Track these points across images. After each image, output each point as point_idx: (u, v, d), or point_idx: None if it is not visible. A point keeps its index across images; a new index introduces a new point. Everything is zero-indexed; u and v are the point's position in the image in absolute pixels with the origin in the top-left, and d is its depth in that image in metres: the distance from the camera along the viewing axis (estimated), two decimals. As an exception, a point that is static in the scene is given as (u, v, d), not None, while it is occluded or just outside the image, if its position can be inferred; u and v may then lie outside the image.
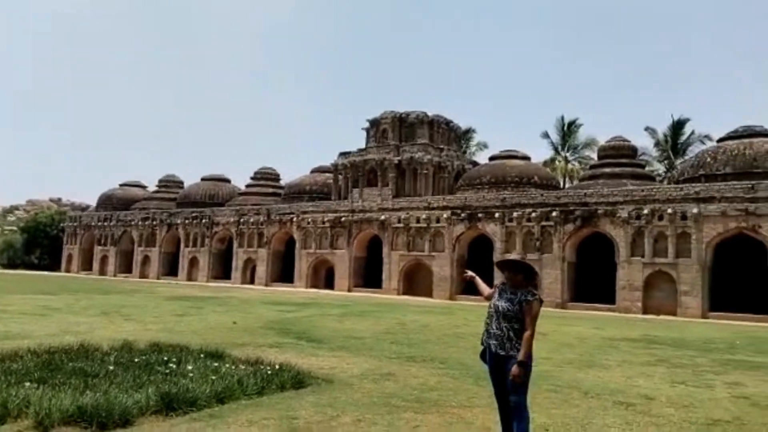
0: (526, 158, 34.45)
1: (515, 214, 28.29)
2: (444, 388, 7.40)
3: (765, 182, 22.50)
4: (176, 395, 5.64)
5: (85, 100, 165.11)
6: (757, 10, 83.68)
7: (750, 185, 22.52)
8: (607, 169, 30.01)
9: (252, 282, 38.53)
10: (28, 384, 5.73)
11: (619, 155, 30.69)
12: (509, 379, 4.57)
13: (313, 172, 42.20)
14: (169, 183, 50.87)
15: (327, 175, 39.19)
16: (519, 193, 29.43)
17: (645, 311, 24.16)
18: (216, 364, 7.22)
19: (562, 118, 48.39)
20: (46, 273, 47.72)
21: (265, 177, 45.06)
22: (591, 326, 17.53)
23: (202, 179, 48.06)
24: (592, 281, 27.46)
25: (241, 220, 39.53)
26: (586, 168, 38.28)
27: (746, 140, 26.02)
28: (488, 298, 5.05)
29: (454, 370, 8.83)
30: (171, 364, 7.07)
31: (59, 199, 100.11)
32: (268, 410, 5.79)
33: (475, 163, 38.29)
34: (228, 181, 48.61)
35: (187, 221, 42.58)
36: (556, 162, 47.20)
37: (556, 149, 48.29)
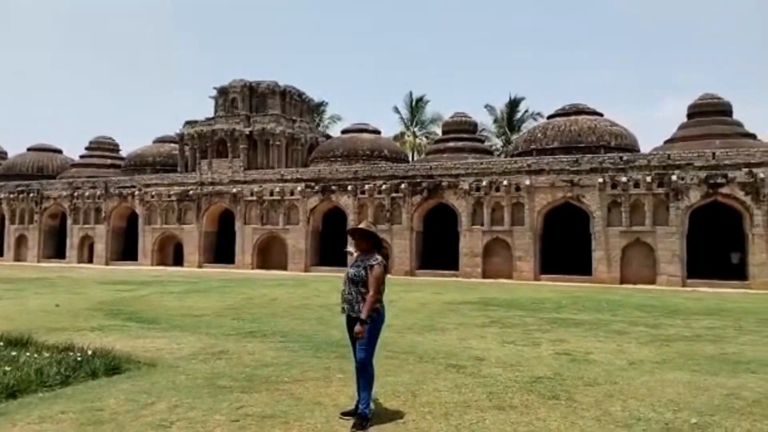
0: (377, 132, 34.93)
1: (367, 187, 28.59)
2: (279, 363, 7.15)
3: (587, 156, 24.73)
4: (-49, 394, 4.82)
5: None
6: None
7: (575, 159, 24.64)
8: (451, 144, 31.33)
9: (90, 261, 35.45)
10: None
11: (462, 130, 32.16)
12: (361, 341, 4.90)
13: (156, 142, 39.41)
14: (-12, 153, 44.96)
15: (172, 145, 36.86)
16: (370, 166, 29.75)
17: (485, 276, 25.71)
18: (14, 354, 6.34)
19: (411, 94, 49.87)
20: None
21: (102, 147, 41.23)
22: (434, 291, 18.26)
23: (29, 149, 42.91)
24: (438, 249, 28.67)
25: (75, 194, 36.04)
26: (432, 142, 39.70)
27: (572, 117, 28.41)
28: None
29: (294, 342, 8.62)
30: (-45, 357, 6.09)
31: None
32: (68, 402, 5.16)
33: (328, 136, 38.09)
34: (59, 151, 43.88)
35: (12, 196, 37.96)
36: (406, 136, 48.51)
37: (405, 124, 49.63)
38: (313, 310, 12.63)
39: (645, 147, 29.20)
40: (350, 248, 5.76)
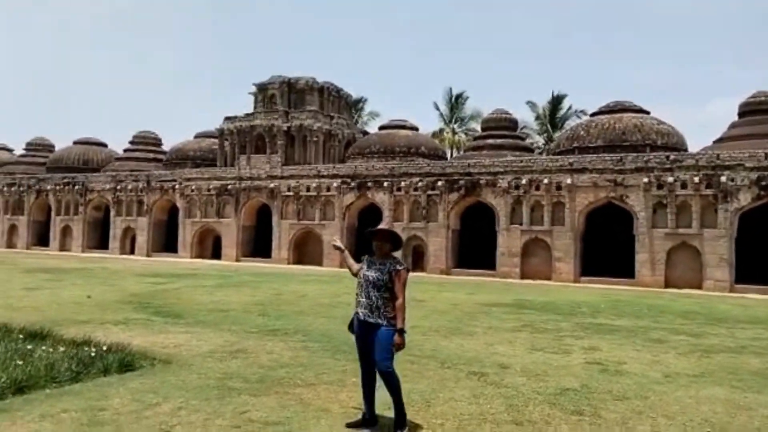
0: (415, 129, 34.57)
1: (403, 184, 28.30)
2: (295, 364, 6.97)
3: (632, 155, 23.83)
4: (-43, 388, 4.78)
5: None
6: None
7: (618, 157, 23.77)
8: (490, 141, 30.71)
9: (132, 252, 36.24)
10: None
11: (501, 127, 31.49)
12: (384, 346, 4.64)
13: (197, 137, 39.98)
14: (38, 146, 46.33)
15: (212, 140, 37.31)
16: (407, 163, 29.43)
17: (523, 276, 25.11)
18: (30, 347, 6.33)
19: (450, 90, 49.28)
20: None
21: (145, 141, 42.11)
22: (468, 292, 17.86)
23: (75, 143, 44.18)
24: (476, 248, 28.17)
25: (118, 186, 36.88)
26: (471, 139, 39.11)
27: (616, 115, 27.43)
28: (356, 273, 5.12)
29: (314, 342, 8.44)
30: (-28, 349, 6.11)
31: None
32: (73, 400, 5.07)
33: (365, 133, 37.95)
34: (104, 145, 45.00)
35: (58, 187, 39.15)
36: (444, 133, 47.97)
37: (444, 120, 49.10)
38: (340, 309, 12.44)
39: (693, 147, 28.03)
40: (337, 241, 5.62)
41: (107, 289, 15.09)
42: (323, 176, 30.66)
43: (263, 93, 34.20)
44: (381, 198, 28.98)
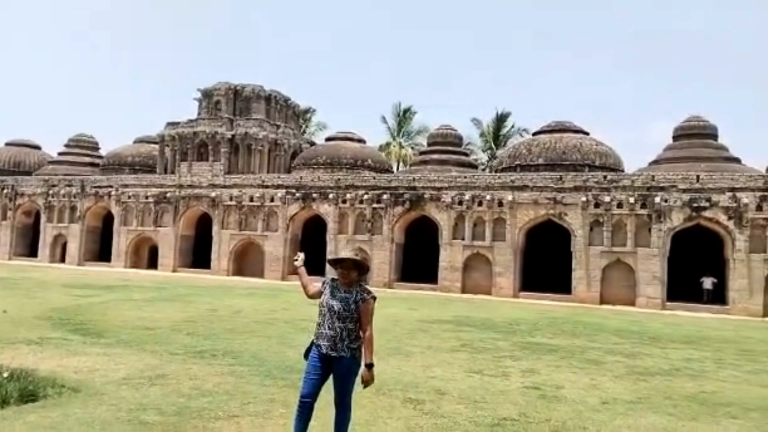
0: (362, 141, 34.49)
1: (348, 196, 28.07)
2: (219, 392, 6.53)
3: (571, 174, 24.38)
4: None
5: None
6: (576, 12, 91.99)
7: (558, 176, 24.27)
8: (435, 156, 30.93)
9: (63, 260, 34.52)
10: None
11: (446, 143, 31.80)
12: (348, 380, 4.47)
13: (136, 142, 38.64)
14: (-37, 147, 43.82)
15: (152, 146, 36.13)
16: (353, 175, 29.24)
17: (464, 291, 25.22)
18: None
19: (399, 104, 49.79)
20: None
21: (82, 145, 40.36)
22: (409, 307, 17.71)
23: (6, 144, 41.95)
24: (419, 262, 28.17)
25: (51, 191, 35.14)
26: (418, 154, 39.33)
27: (557, 135, 28.14)
28: (312, 296, 4.80)
29: (244, 366, 8.00)
30: None
31: None
32: (-43, 440, 4.52)
33: (312, 143, 37.59)
34: (38, 147, 42.90)
35: (-16, 191, 36.97)
36: (391, 146, 48.12)
37: (392, 134, 49.29)
38: (276, 327, 12.01)
39: (631, 168, 28.96)
40: (299, 259, 5.14)
41: (27, 302, 14.12)
42: (267, 186, 30.07)
43: (208, 99, 33.37)
44: (326, 209, 28.64)
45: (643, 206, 22.77)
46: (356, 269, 4.65)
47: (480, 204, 25.22)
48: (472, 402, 6.79)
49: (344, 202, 28.21)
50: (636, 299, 22.57)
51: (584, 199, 23.39)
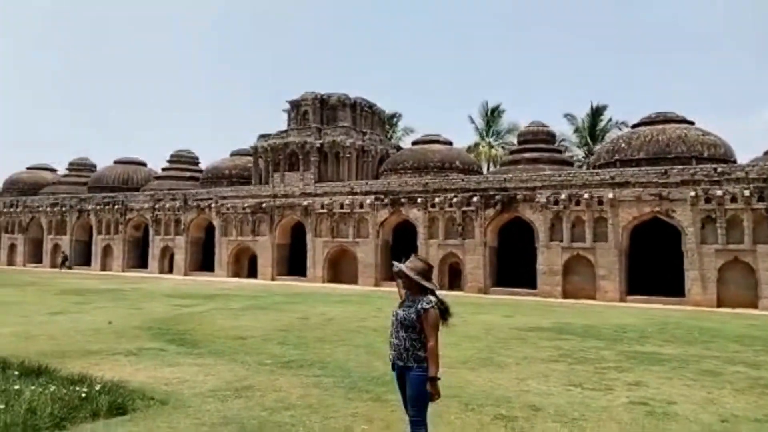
0: (449, 143, 33.90)
1: (437, 200, 27.65)
2: (303, 406, 6.37)
3: (677, 167, 22.59)
4: None
5: None
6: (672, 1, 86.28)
7: (663, 170, 22.56)
8: (527, 154, 29.78)
9: (171, 271, 36.47)
10: None
11: (538, 140, 30.53)
12: (414, 393, 4.36)
13: (233, 155, 40.25)
14: (80, 166, 47.52)
15: (247, 158, 37.42)
16: (441, 178, 28.76)
17: (565, 295, 24.01)
18: (17, 387, 5.91)
19: (486, 103, 48.55)
20: (-59, 265, 43.94)
21: (183, 160, 42.65)
22: (504, 314, 17.01)
23: (116, 162, 45.08)
24: (515, 266, 27.21)
25: (157, 206, 37.31)
26: (508, 153, 38.21)
27: (659, 126, 26.19)
28: None
29: (330, 377, 7.83)
30: (-44, 391, 5.73)
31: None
32: (45, 455, 4.59)
33: (399, 148, 37.49)
34: (143, 164, 45.81)
35: (99, 207, 39.89)
36: (480, 147, 47.11)
37: (480, 134, 48.29)
38: (364, 335, 11.84)
39: (743, 158, 26.50)
40: (397, 265, 4.85)
41: (132, 313, 14.85)
42: (356, 193, 30.24)
43: (296, 110, 34.14)
44: (415, 214, 28.36)
45: (761, 199, 20.68)
46: (412, 279, 4.56)
47: (578, 203, 23.96)
48: (570, 420, 6.22)
49: (433, 206, 27.82)
50: (758, 301, 20.52)
51: (693, 194, 21.59)
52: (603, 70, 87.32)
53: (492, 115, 48.11)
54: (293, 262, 33.17)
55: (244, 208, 33.72)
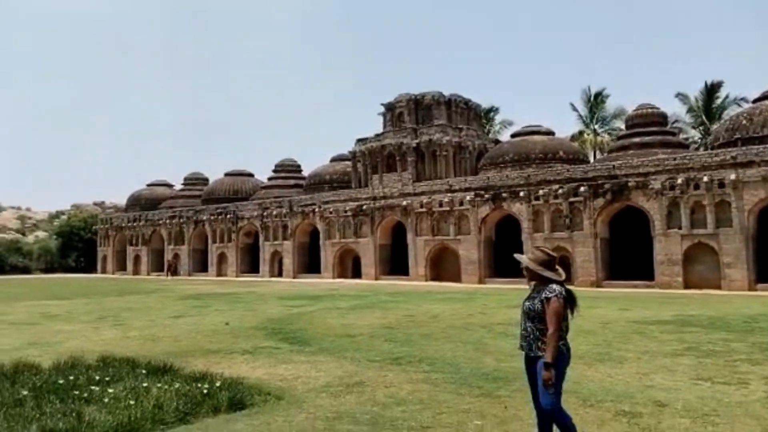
0: (550, 133, 32.70)
1: (541, 192, 26.81)
2: (413, 401, 6.31)
3: (812, 141, 20.46)
4: (64, 432, 4.73)
5: (109, 104, 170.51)
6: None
7: (794, 145, 20.52)
8: (636, 139, 28.09)
9: (280, 275, 38.04)
10: None
11: (648, 123, 28.68)
12: (539, 382, 4.41)
13: (332, 161, 41.30)
14: (194, 180, 50.79)
15: (346, 163, 38.24)
16: (544, 170, 27.85)
17: (686, 286, 22.47)
18: (145, 385, 6.30)
19: (588, 89, 46.38)
20: (80, 275, 48.49)
21: (287, 169, 44.39)
22: (620, 307, 16.13)
23: (226, 174, 47.73)
24: (629, 257, 25.83)
25: (265, 213, 39.03)
26: (615, 139, 36.26)
27: (786, 98, 23.87)
28: None
29: (439, 373, 7.72)
30: (93, 387, 6.19)
31: (102, 202, 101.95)
32: (172, 446, 4.83)
33: (497, 142, 36.75)
34: (251, 175, 48.15)
35: (212, 217, 42.38)
36: (585, 135, 45.08)
37: (584, 122, 46.21)
38: (472, 332, 11.62)
39: None
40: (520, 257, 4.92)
41: (247, 314, 15.53)
42: (455, 190, 29.99)
43: (391, 112, 34.42)
44: (518, 208, 27.68)
45: None
46: (533, 271, 4.62)
47: (696, 187, 22.31)
48: (701, 416, 5.70)
49: (537, 198, 27.00)
50: None
51: (832, 169, 19.47)
52: (716, 45, 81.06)
53: (595, 100, 45.95)
54: (395, 262, 33.45)
55: (345, 211, 34.46)
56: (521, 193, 27.35)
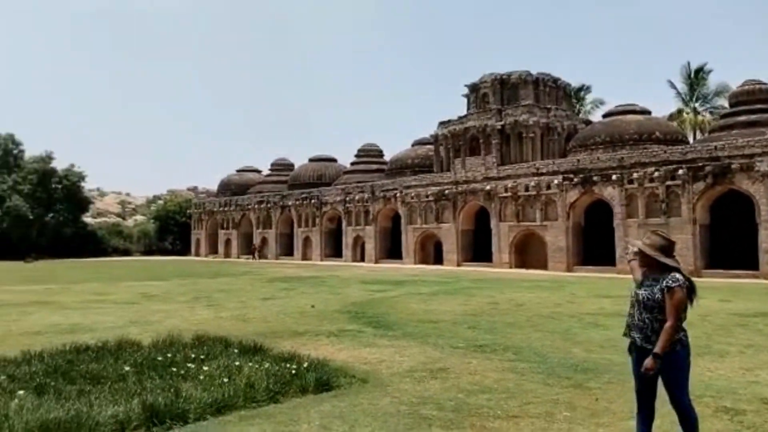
0: (646, 112, 30.96)
1: (635, 175, 25.54)
2: (499, 389, 6.19)
3: None
4: (163, 407, 4.98)
5: (200, 95, 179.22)
6: None
7: None
8: (742, 118, 26.06)
9: (362, 259, 38.56)
10: (21, 393, 5.35)
11: (755, 100, 26.48)
12: (678, 374, 4.14)
13: (414, 145, 41.16)
14: (280, 166, 52.29)
15: (428, 147, 38.01)
16: (638, 152, 26.48)
17: (795, 277, 20.78)
18: (237, 363, 6.54)
19: (688, 65, 43.38)
20: (176, 258, 51.29)
21: (369, 154, 44.74)
22: (721, 298, 15.14)
23: (310, 160, 48.78)
24: (731, 245, 24.18)
25: (347, 198, 39.60)
26: (718, 118, 33.86)
27: None
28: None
29: (525, 362, 7.53)
30: (190, 364, 6.49)
31: (195, 187, 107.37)
32: (263, 424, 4.97)
33: (588, 122, 35.25)
34: (334, 160, 48.95)
35: (297, 202, 43.51)
36: (684, 114, 42.37)
37: (683, 100, 43.39)
38: (560, 321, 11.26)
39: None
40: (632, 249, 4.61)
41: (330, 298, 15.84)
42: (542, 173, 29.14)
43: (475, 93, 33.83)
44: (610, 193, 26.55)
45: None
46: (651, 258, 4.21)
47: (809, 169, 20.53)
48: (818, 415, 5.24)
49: (630, 182, 25.75)
50: None
51: None
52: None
53: (696, 77, 43.00)
54: (478, 248, 33.03)
55: (427, 196, 34.33)
56: (614, 177, 26.17)
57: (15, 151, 54.38)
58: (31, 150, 56.41)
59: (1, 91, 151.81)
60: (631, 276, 4.60)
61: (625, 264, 23.70)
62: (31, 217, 49.75)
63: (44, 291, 18.46)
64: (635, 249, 4.41)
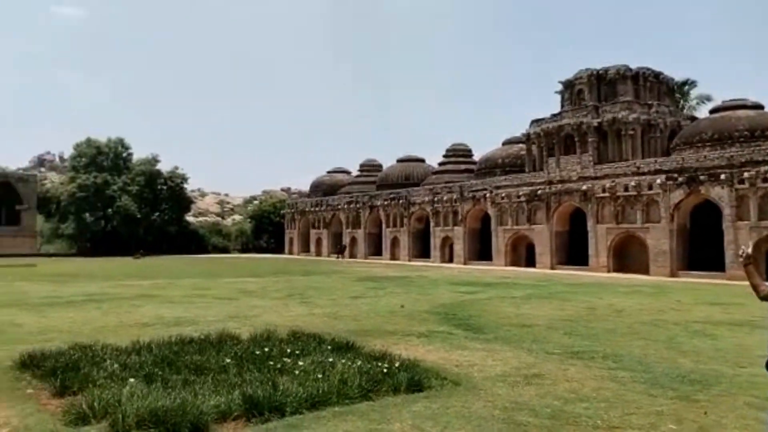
0: (759, 107, 28.64)
1: (746, 174, 23.73)
2: (598, 398, 5.90)
3: None
4: (262, 399, 5.15)
5: (294, 99, 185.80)
6: None
7: None
8: None
9: (451, 260, 38.26)
10: (132, 381, 5.70)
11: None
12: None
13: (504, 144, 40.29)
14: (369, 167, 52.95)
15: (520, 146, 37.09)
16: (751, 149, 24.57)
17: None
18: (330, 360, 6.64)
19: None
20: (270, 256, 53.20)
21: (457, 153, 44.30)
22: None
23: (398, 161, 49.03)
24: None
25: (435, 198, 39.44)
26: None
27: None
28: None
29: (626, 371, 7.15)
30: (286, 359, 6.67)
31: (289, 188, 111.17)
32: (356, 421, 5.01)
33: (693, 119, 33.11)
34: (422, 160, 48.91)
35: (386, 203, 43.87)
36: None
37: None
38: (664, 329, 10.63)
39: None
40: (746, 248, 4.20)
41: (419, 298, 15.82)
42: (643, 173, 27.70)
43: (570, 90, 32.70)
44: (718, 193, 24.84)
45: None
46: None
47: None
48: None
49: (741, 182, 23.94)
50: None
51: None
52: None
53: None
54: (573, 251, 31.87)
55: (518, 197, 33.56)
56: (722, 176, 24.44)
57: (124, 155, 58.42)
58: (139, 152, 60.44)
59: (113, 96, 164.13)
60: (747, 282, 4.19)
61: (736, 269, 21.93)
62: (138, 216, 53.37)
63: (151, 285, 19.70)
64: (749, 251, 4.06)
